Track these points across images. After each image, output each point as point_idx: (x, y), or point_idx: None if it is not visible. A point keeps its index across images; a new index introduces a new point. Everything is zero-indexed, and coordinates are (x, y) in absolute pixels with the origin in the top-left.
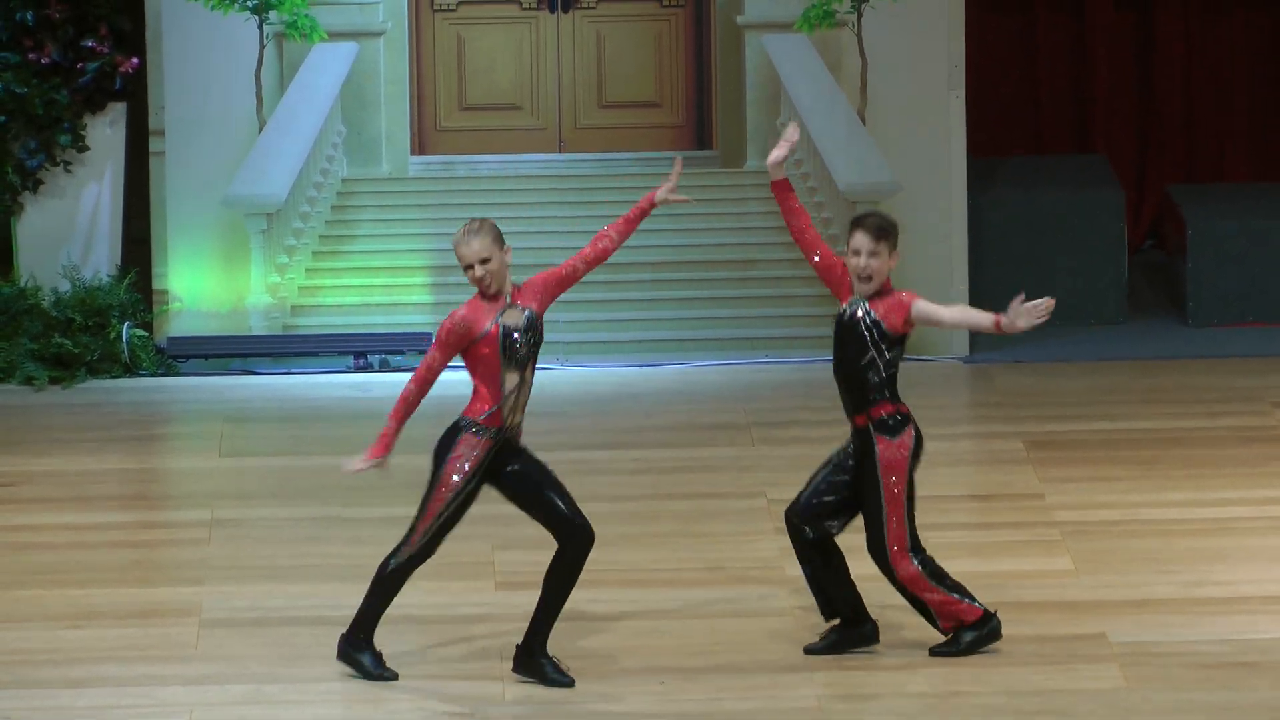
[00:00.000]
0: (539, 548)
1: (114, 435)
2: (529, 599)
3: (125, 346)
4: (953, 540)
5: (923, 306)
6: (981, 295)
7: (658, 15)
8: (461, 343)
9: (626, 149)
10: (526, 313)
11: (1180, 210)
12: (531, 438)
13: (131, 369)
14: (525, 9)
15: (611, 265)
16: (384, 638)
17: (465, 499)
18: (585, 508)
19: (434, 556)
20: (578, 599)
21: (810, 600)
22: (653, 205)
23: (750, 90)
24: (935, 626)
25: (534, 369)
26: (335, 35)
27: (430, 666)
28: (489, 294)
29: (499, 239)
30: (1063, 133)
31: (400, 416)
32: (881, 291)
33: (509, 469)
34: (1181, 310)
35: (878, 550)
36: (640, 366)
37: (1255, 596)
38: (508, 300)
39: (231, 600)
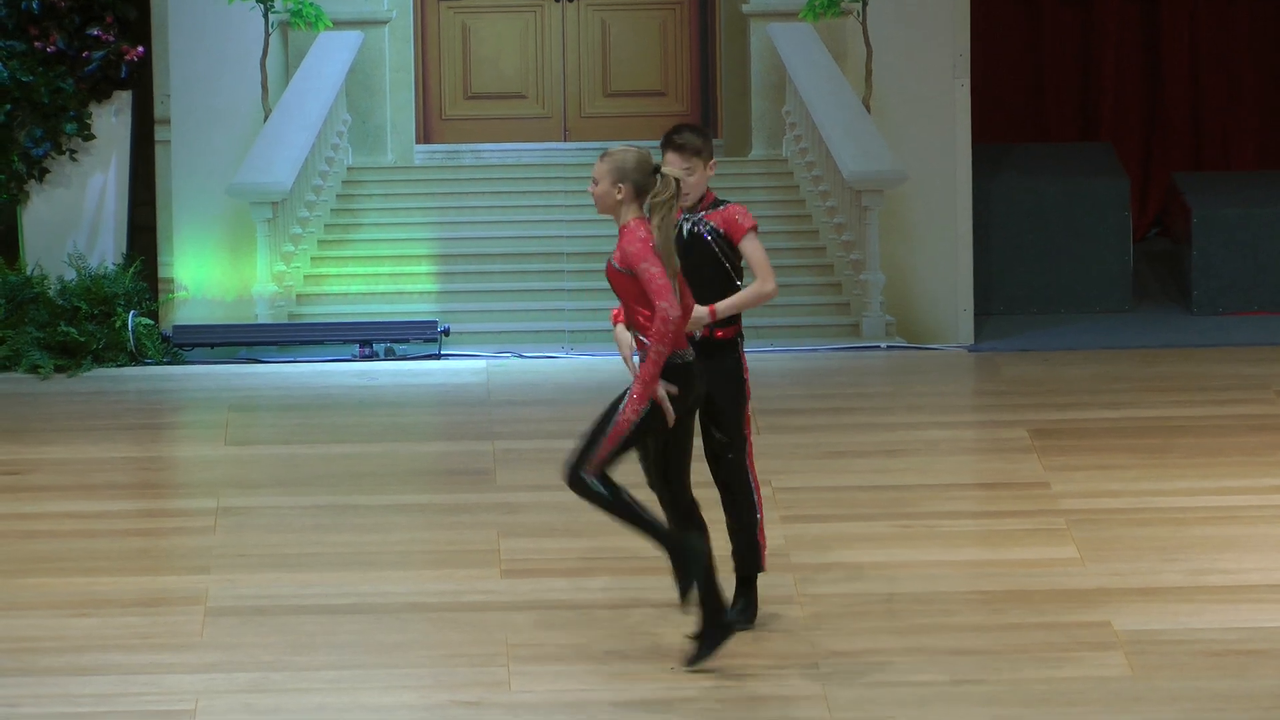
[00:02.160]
0: (544, 535)
1: (120, 424)
2: (534, 586)
3: (131, 335)
4: (958, 529)
5: (748, 246)
6: (987, 283)
7: (662, 4)
8: None
9: (631, 137)
10: None
11: (1185, 198)
12: (537, 425)
13: (137, 357)
14: None
15: None
16: (387, 626)
17: None
18: None
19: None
20: (584, 586)
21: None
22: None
23: (755, 79)
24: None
25: None
26: (340, 23)
27: (436, 654)
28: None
29: None
30: (1068, 121)
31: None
32: (712, 204)
33: None
34: (1186, 298)
35: (735, 452)
36: None
37: (1261, 585)
38: None
39: (237, 588)
